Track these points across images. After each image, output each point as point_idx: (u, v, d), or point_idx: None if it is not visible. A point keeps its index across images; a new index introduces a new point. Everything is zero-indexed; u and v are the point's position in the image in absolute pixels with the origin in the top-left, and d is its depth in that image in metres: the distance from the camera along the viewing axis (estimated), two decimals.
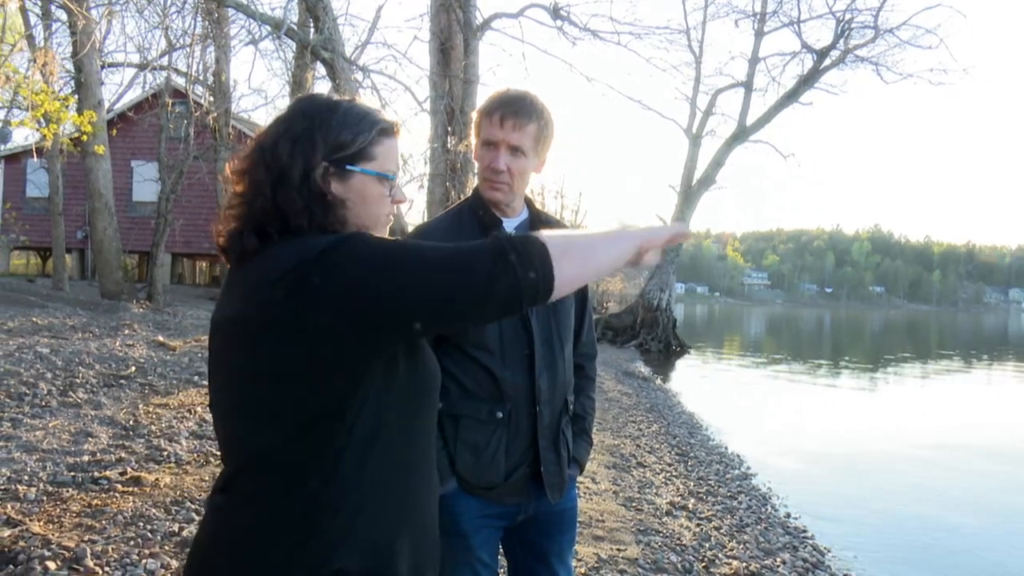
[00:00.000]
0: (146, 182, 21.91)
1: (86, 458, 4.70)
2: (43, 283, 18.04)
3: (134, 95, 23.28)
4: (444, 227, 1.94)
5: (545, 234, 1.19)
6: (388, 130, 1.27)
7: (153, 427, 5.65)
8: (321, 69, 10.13)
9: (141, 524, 3.67)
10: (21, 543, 3.26)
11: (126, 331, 10.63)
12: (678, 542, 4.55)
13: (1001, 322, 76.97)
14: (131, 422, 5.73)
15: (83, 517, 3.72)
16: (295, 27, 10.57)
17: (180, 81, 18.20)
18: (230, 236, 1.22)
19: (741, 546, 4.74)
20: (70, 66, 15.19)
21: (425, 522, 1.28)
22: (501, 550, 2.02)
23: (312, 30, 9.76)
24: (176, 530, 3.63)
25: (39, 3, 14.88)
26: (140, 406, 6.31)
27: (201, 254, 25.64)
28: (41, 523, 3.57)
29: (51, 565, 3.06)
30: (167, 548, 3.42)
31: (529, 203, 2.00)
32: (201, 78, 16.77)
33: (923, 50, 19.15)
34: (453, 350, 1.81)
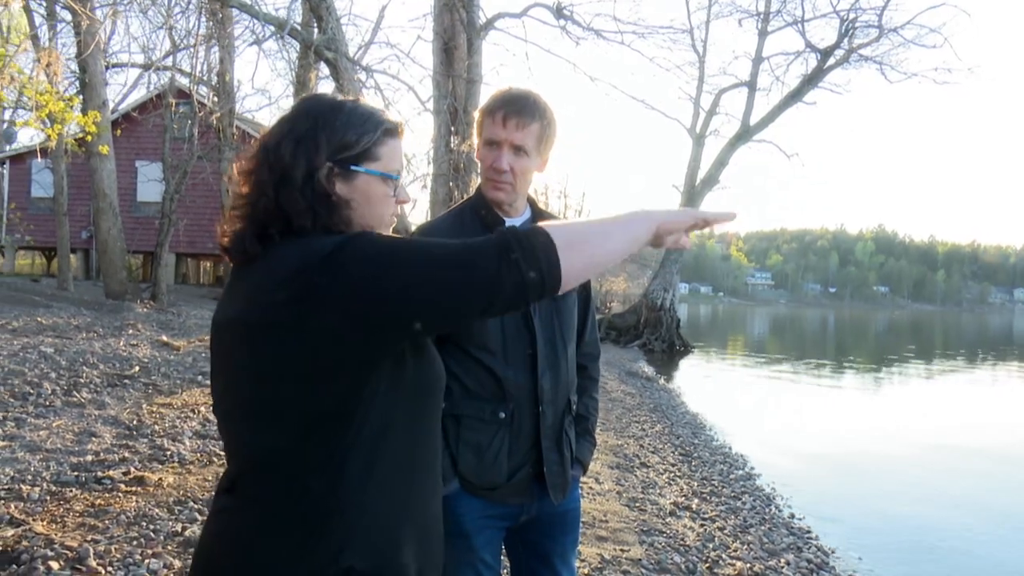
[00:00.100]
0: (150, 182, 21.97)
1: (89, 458, 4.70)
2: (48, 283, 18.08)
3: (138, 95, 23.34)
4: (446, 227, 1.93)
5: (551, 226, 1.17)
6: (392, 130, 1.27)
7: (157, 427, 5.65)
8: (325, 69, 10.15)
9: (144, 524, 3.67)
10: (24, 543, 3.26)
11: (130, 331, 10.65)
12: (682, 543, 4.54)
13: (1006, 322, 76.75)
14: (135, 422, 5.73)
15: (86, 517, 3.72)
16: (298, 27, 10.58)
17: (184, 81, 18.21)
18: (234, 237, 1.22)
19: (745, 547, 4.72)
20: (74, 66, 15.23)
21: (430, 522, 1.28)
22: (504, 551, 2.01)
23: (315, 30, 9.75)
24: (179, 530, 3.63)
25: (44, 3, 14.92)
26: (144, 406, 6.32)
27: (205, 254, 25.69)
28: (44, 523, 3.57)
29: (54, 565, 3.07)
30: (170, 548, 3.42)
31: (532, 203, 1.99)
32: (205, 78, 16.79)
33: (927, 49, 19.14)
34: (455, 350, 1.80)
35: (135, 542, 3.44)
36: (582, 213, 31.02)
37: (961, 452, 9.03)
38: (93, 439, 5.14)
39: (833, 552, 5.08)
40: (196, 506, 4.01)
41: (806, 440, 9.47)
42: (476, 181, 2.03)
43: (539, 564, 1.99)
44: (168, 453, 4.98)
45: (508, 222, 1.93)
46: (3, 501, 3.81)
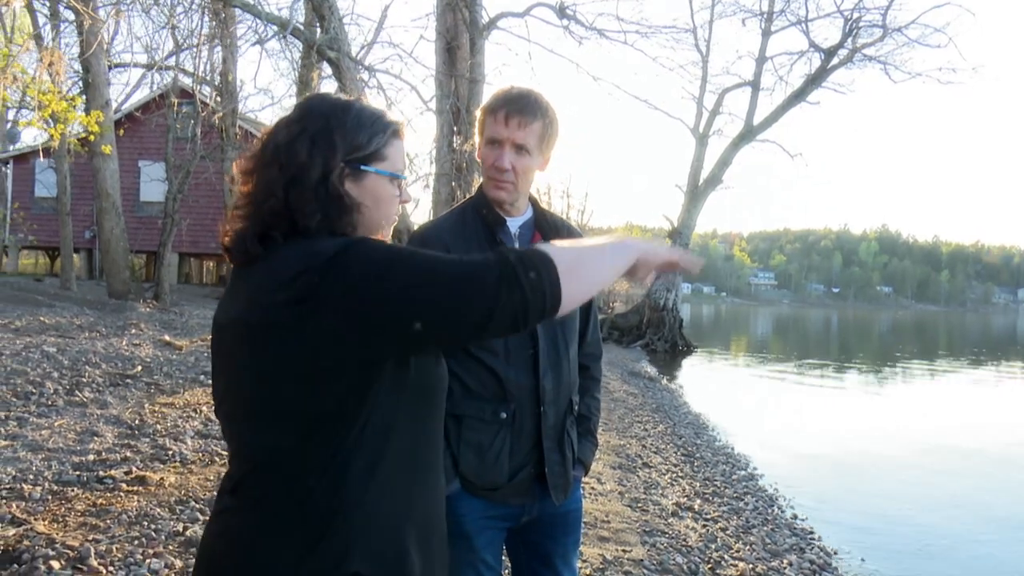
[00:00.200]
0: (153, 182, 22.00)
1: (91, 457, 4.70)
2: (51, 282, 18.12)
3: (141, 95, 23.42)
4: (448, 226, 1.92)
5: (552, 249, 1.16)
6: (397, 131, 1.29)
7: (159, 426, 5.65)
8: (327, 69, 10.13)
9: (145, 523, 3.67)
10: (25, 542, 3.26)
11: (133, 330, 10.66)
12: (684, 543, 4.53)
13: (1010, 323, 76.55)
14: (137, 421, 5.73)
15: (88, 516, 3.72)
16: (301, 27, 10.56)
17: (187, 81, 18.24)
18: (235, 236, 1.22)
19: (747, 547, 4.71)
20: (78, 66, 15.27)
21: (435, 522, 1.28)
22: (505, 552, 2.00)
23: (318, 30, 9.75)
24: (180, 530, 3.63)
25: (47, 3, 14.94)
26: (146, 405, 6.32)
27: (208, 254, 25.72)
28: (46, 522, 3.57)
29: (55, 564, 3.06)
30: (171, 548, 3.42)
31: (534, 202, 1.98)
32: (208, 78, 16.79)
33: (932, 49, 19.01)
34: (456, 350, 1.79)
35: (136, 542, 3.44)
36: (585, 213, 31.03)
37: (964, 453, 9.00)
38: (95, 438, 5.14)
39: (835, 553, 5.06)
40: (198, 506, 4.01)
41: (809, 441, 9.45)
42: (479, 181, 2.02)
43: (540, 565, 1.98)
44: (170, 453, 4.98)
45: (509, 221, 1.92)
46: (5, 500, 3.82)
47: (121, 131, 16.94)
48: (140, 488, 4.22)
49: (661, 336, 21.32)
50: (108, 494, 4.07)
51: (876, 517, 6.16)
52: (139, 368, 7.75)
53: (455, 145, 10.39)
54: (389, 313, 1.09)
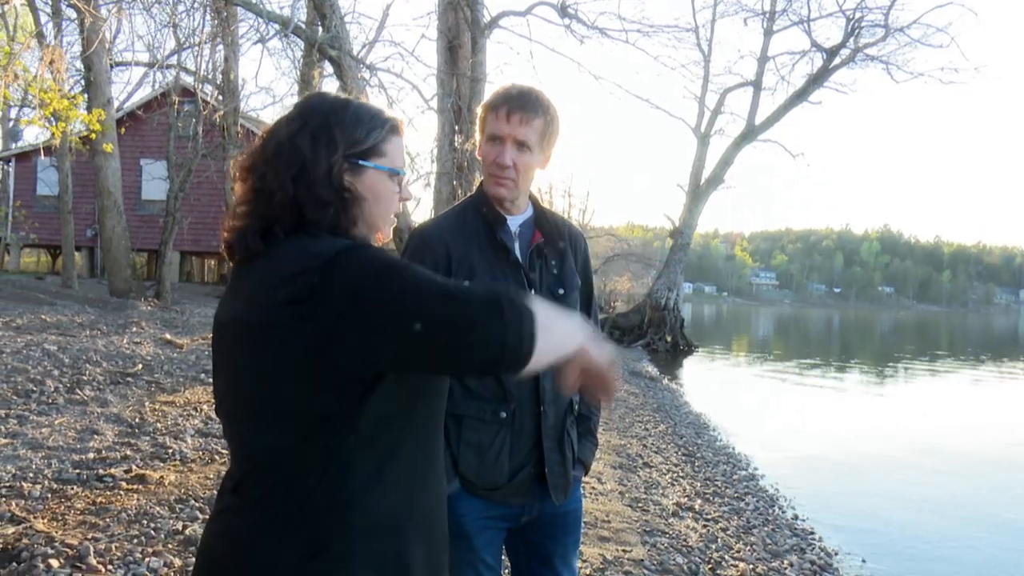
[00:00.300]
0: (155, 180, 21.98)
1: (91, 455, 4.70)
2: (52, 280, 18.14)
3: (143, 93, 23.46)
4: (448, 224, 1.92)
5: (536, 303, 1.14)
6: (396, 128, 1.29)
7: (159, 425, 5.65)
8: (328, 67, 10.12)
9: (145, 522, 3.66)
10: (25, 540, 3.25)
11: (134, 329, 10.66)
12: (684, 543, 4.52)
13: (1011, 323, 76.51)
14: (137, 420, 5.73)
15: (87, 515, 3.71)
16: (302, 25, 10.56)
17: (189, 79, 18.23)
18: (236, 233, 1.21)
19: (748, 548, 4.70)
20: (79, 64, 15.27)
21: (435, 522, 1.27)
22: (505, 552, 1.99)
23: (320, 28, 9.74)
24: (180, 528, 3.62)
25: (49, 1, 14.96)
26: (146, 404, 6.32)
27: (209, 252, 25.73)
28: (45, 520, 3.56)
29: (54, 563, 3.06)
30: (170, 546, 3.41)
31: (534, 201, 1.97)
32: (209, 76, 16.78)
33: (934, 49, 19.01)
34: None
35: (136, 540, 3.44)
36: (586, 212, 31.01)
37: (965, 453, 8.99)
38: (95, 437, 5.14)
39: (836, 554, 5.05)
40: (197, 504, 4.00)
41: (810, 441, 9.44)
42: (480, 179, 2.01)
43: (540, 565, 1.98)
44: (170, 451, 4.98)
45: (510, 220, 1.91)
46: (4, 498, 3.81)
47: (123, 129, 16.96)
48: (140, 486, 4.21)
49: (662, 336, 21.31)
50: (108, 492, 4.07)
51: (877, 518, 6.15)
52: (140, 366, 7.75)
53: (456, 144, 10.37)
54: (390, 313, 1.09)
